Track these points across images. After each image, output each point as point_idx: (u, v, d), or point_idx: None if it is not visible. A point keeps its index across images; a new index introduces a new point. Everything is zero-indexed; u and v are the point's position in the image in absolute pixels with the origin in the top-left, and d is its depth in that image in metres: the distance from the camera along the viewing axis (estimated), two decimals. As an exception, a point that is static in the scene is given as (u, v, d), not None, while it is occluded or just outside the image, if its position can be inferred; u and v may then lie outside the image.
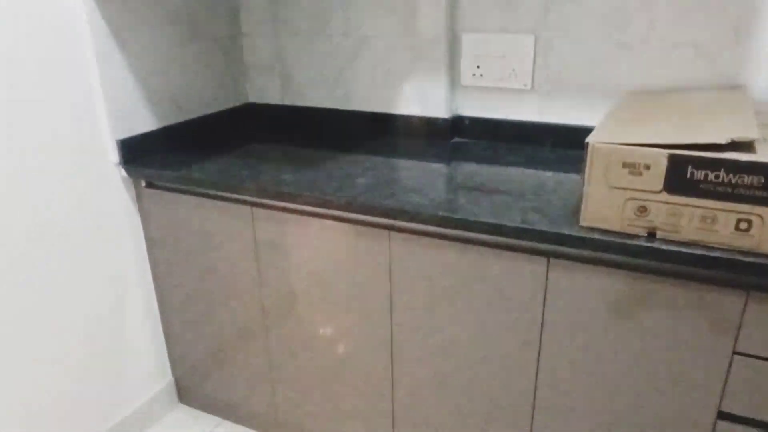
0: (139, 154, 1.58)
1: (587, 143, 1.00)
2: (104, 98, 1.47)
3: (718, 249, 0.98)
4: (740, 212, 0.93)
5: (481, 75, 1.63)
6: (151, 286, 1.71)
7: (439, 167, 1.47)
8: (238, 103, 1.94)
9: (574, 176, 1.38)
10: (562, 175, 1.38)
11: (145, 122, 1.59)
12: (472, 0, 1.58)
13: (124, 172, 1.55)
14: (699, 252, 0.98)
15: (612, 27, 1.46)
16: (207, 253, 1.56)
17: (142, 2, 1.52)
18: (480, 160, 1.52)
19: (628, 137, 0.98)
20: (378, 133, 1.79)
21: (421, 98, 1.70)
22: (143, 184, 1.59)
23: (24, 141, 1.32)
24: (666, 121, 1.11)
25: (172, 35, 1.63)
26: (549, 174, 1.39)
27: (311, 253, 1.40)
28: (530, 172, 1.42)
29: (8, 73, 1.27)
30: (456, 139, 1.71)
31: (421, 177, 1.39)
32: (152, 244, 1.66)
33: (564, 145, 1.59)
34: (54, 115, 1.38)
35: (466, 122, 1.70)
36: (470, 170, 1.44)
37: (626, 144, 0.96)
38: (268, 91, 1.96)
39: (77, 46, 1.40)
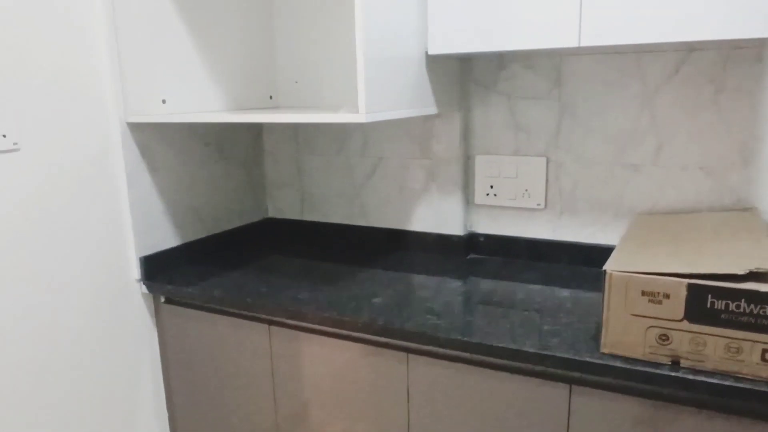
0: (161, 269, 1.60)
1: (605, 271, 1.00)
2: (131, 217, 1.51)
3: (746, 379, 0.94)
4: (765, 342, 0.91)
5: (495, 195, 1.66)
6: (164, 402, 1.67)
7: (455, 285, 1.47)
8: (258, 218, 1.99)
9: (590, 294, 1.36)
10: (578, 293, 1.37)
11: (167, 238, 1.62)
12: (485, 125, 1.65)
13: (144, 288, 1.56)
14: (727, 383, 0.95)
15: (621, 149, 1.51)
16: (223, 368, 1.54)
17: (173, 128, 1.60)
18: (496, 276, 1.52)
19: (645, 265, 0.99)
20: (394, 248, 1.81)
21: (437, 215, 1.73)
22: (162, 299, 1.59)
23: (51, 257, 1.35)
24: (682, 246, 1.11)
25: (200, 156, 1.70)
26: (565, 293, 1.38)
27: (328, 371, 1.37)
28: (547, 290, 1.41)
29: (43, 192, 1.32)
30: (471, 256, 1.72)
31: (438, 296, 1.39)
32: (168, 358, 1.64)
33: (578, 262, 1.59)
34: (82, 232, 1.41)
35: (481, 239, 1.71)
36: (487, 288, 1.43)
37: (644, 273, 0.96)
38: (287, 207, 2.00)
39: (108, 167, 1.46)
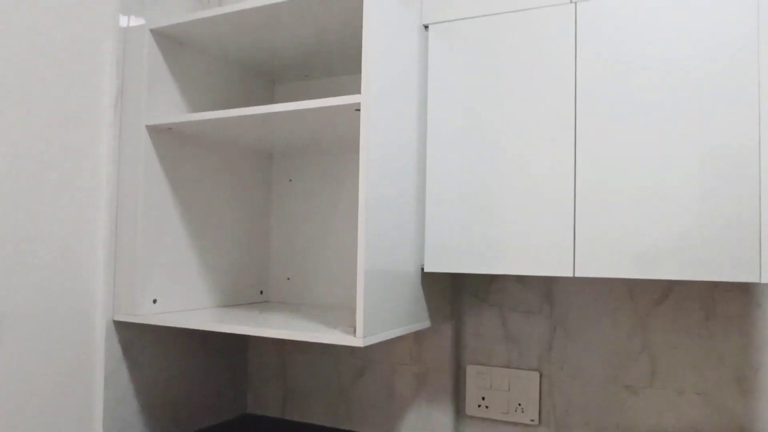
0: (125, 481, 1.44)
1: None
2: (103, 420, 1.40)
3: None
4: None
5: (487, 407, 1.58)
6: None
7: None
8: (236, 414, 1.86)
9: None
10: None
11: (138, 443, 1.49)
12: (477, 335, 1.62)
13: (104, 505, 1.40)
14: None
15: (615, 369, 1.47)
16: None
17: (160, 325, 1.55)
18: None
19: None
20: (380, 459, 1.68)
21: (426, 424, 1.63)
22: None
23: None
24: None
25: (183, 348, 1.63)
26: None
27: None
28: None
29: (14, 392, 1.22)
30: (462, 473, 1.59)
31: None
32: None
33: (578, 488, 1.47)
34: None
35: (473, 455, 1.60)
36: None
37: None
38: (268, 403, 1.89)
39: (87, 365, 1.38)
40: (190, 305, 1.57)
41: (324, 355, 1.80)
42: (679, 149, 1.16)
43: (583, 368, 1.50)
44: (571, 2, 1.26)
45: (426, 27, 1.41)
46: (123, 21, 1.45)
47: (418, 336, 1.66)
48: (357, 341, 1.12)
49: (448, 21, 1.38)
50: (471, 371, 1.62)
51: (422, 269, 1.39)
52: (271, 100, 1.86)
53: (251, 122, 1.36)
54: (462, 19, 1.36)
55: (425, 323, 1.42)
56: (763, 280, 1.09)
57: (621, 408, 1.46)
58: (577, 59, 1.25)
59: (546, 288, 1.55)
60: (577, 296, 1.52)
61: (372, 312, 1.16)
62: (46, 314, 1.30)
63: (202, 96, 1.59)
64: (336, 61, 1.63)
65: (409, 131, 1.33)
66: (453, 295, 1.62)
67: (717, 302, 1.39)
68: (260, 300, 1.82)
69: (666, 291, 1.43)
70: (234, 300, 1.72)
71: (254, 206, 1.80)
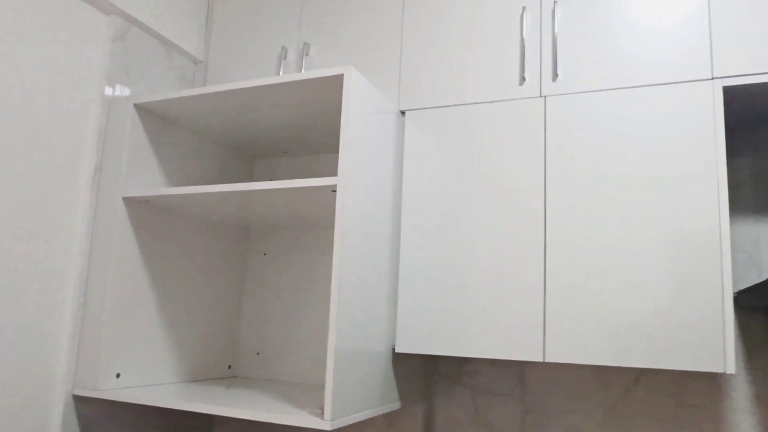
0: None
1: None
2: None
3: None
4: None
5: (458, 494, 1.53)
6: None
7: None
8: (196, 498, 1.76)
9: None
10: None
11: None
12: (448, 418, 1.58)
13: None
14: None
15: (587, 458, 1.44)
16: None
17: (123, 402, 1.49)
18: None
19: None
20: None
21: None
22: None
23: None
24: None
25: (144, 425, 1.56)
26: None
27: None
28: None
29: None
30: None
31: None
32: None
33: None
34: None
35: None
36: None
37: None
38: (231, 486, 1.80)
39: (41, 450, 1.31)
40: (156, 380, 1.52)
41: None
42: (645, 237, 1.19)
43: (554, 455, 1.47)
44: (541, 96, 1.33)
45: (403, 113, 1.46)
46: (108, 91, 1.48)
47: (389, 417, 1.62)
48: (324, 424, 1.09)
49: (424, 108, 1.43)
50: (440, 456, 1.57)
51: (393, 350, 1.37)
52: (250, 176, 1.88)
53: (229, 198, 1.37)
54: (437, 107, 1.42)
55: (395, 405, 1.39)
56: (728, 371, 1.10)
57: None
58: (546, 149, 1.30)
59: (519, 371, 1.54)
60: (549, 383, 1.50)
61: (341, 393, 1.14)
62: (4, 385, 1.25)
63: (182, 170, 1.60)
64: (315, 141, 1.66)
65: (384, 213, 1.35)
66: (424, 376, 1.59)
67: (687, 391, 1.39)
68: (228, 375, 1.77)
69: (636, 377, 1.43)
70: (201, 374, 1.67)
71: (227, 279, 1.78)
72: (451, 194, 1.37)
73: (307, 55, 1.60)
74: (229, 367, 1.78)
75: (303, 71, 1.59)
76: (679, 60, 1.23)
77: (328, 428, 1.09)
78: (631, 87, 1.25)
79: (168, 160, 1.56)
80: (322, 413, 1.13)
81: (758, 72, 1.17)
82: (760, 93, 1.22)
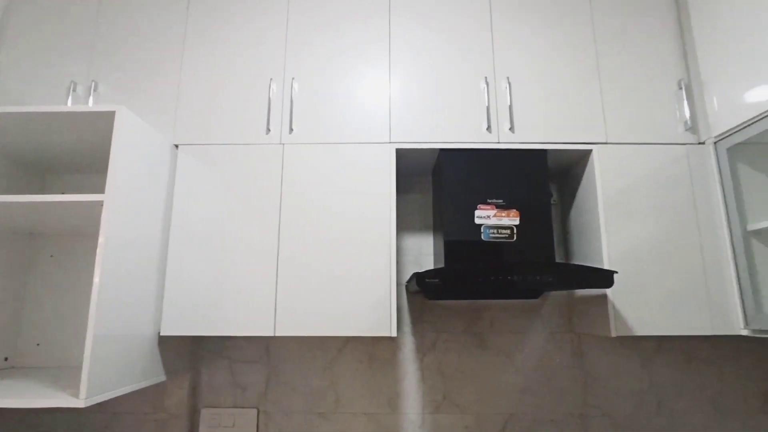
0: None
1: None
2: None
3: None
4: None
5: (215, 443, 1.50)
6: None
7: None
8: (-36, 483, 1.44)
9: None
10: None
11: None
12: (211, 383, 1.55)
13: None
14: None
15: (313, 402, 1.53)
16: None
17: None
18: None
19: None
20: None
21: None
22: None
23: None
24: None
25: None
26: None
27: None
28: None
29: None
30: (189, 504, 1.45)
31: None
32: None
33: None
34: None
35: (200, 486, 1.48)
36: None
37: None
38: (5, 466, 1.51)
39: None
40: None
41: (69, 412, 1.53)
42: (346, 247, 1.32)
43: (290, 404, 1.53)
44: (281, 143, 1.39)
45: (176, 146, 1.41)
46: None
47: (160, 387, 1.52)
48: (79, 402, 1.00)
49: (194, 144, 1.40)
50: (205, 414, 1.53)
51: (159, 333, 1.31)
52: (41, 190, 1.63)
53: (9, 208, 1.18)
54: (205, 144, 1.40)
55: (161, 377, 1.32)
56: (392, 334, 1.27)
57: (316, 430, 1.52)
58: (282, 183, 1.37)
59: (265, 343, 1.57)
60: (287, 350, 1.57)
61: (99, 373, 1.05)
62: None
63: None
64: (100, 162, 1.51)
65: (153, 224, 1.29)
66: (193, 351, 1.54)
67: (377, 349, 1.57)
68: (5, 366, 1.49)
69: (345, 342, 1.57)
70: (-27, 368, 1.38)
71: (10, 280, 1.50)
72: (214, 212, 1.36)
73: (95, 91, 1.45)
74: (6, 359, 1.50)
75: (90, 104, 1.44)
76: (372, 128, 1.40)
77: (83, 405, 1.00)
78: (341, 143, 1.39)
79: (-60, 170, 1.27)
80: (79, 393, 1.03)
81: (417, 141, 1.39)
82: (417, 155, 1.45)
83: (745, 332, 1.27)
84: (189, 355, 1.52)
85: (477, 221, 1.33)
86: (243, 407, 1.54)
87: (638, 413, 1.51)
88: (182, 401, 1.51)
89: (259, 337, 1.57)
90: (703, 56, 1.40)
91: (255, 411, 1.53)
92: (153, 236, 1.28)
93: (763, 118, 1.22)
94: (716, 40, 1.36)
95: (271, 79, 1.43)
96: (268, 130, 1.40)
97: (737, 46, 1.29)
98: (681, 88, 1.42)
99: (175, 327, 1.30)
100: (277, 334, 1.27)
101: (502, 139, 1.39)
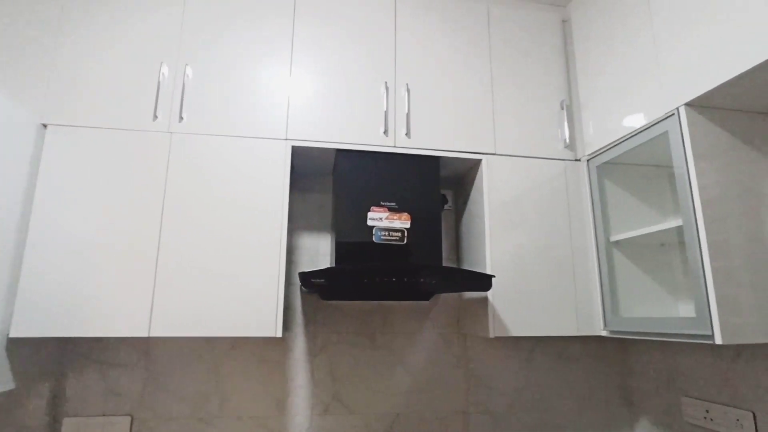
0: None
1: None
2: None
3: None
4: None
5: (79, 455, 1.36)
6: None
7: None
8: None
9: None
10: None
11: None
12: (78, 390, 1.40)
13: None
14: None
15: (194, 407, 1.44)
16: None
17: None
18: None
19: None
20: None
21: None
22: None
23: None
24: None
25: None
26: None
27: None
28: None
29: None
30: None
31: None
32: None
33: None
34: None
35: (57, 504, 1.33)
36: None
37: None
38: None
39: None
40: None
41: None
42: (235, 243, 1.26)
43: (169, 409, 1.43)
44: (168, 132, 1.30)
45: (45, 126, 1.26)
46: None
47: (11, 398, 1.34)
48: None
49: (66, 125, 1.27)
50: (67, 424, 1.38)
51: (8, 335, 1.16)
52: None
53: None
54: (79, 126, 1.27)
55: (8, 385, 1.17)
56: (278, 335, 1.23)
57: (196, 437, 1.43)
58: (168, 173, 1.28)
59: (144, 345, 1.46)
60: (170, 352, 1.47)
61: None
62: None
63: None
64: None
65: (4, 213, 1.14)
66: (57, 355, 1.38)
67: (266, 350, 1.52)
68: None
69: (233, 343, 1.50)
70: None
71: None
72: (85, 201, 1.23)
73: (-55, 55, 1.25)
74: None
75: (-63, 70, 1.24)
76: (268, 123, 1.36)
77: None
78: (235, 136, 1.33)
79: None
80: None
81: (314, 140, 1.37)
82: (317, 154, 1.43)
83: (604, 333, 1.40)
84: (51, 360, 1.37)
85: (369, 223, 1.34)
86: (115, 415, 1.41)
87: (515, 409, 1.61)
88: (39, 411, 1.35)
89: (137, 339, 1.46)
90: (582, 80, 1.53)
91: (128, 419, 1.41)
92: (5, 226, 1.13)
93: (624, 140, 1.36)
94: (592, 68, 1.49)
95: (161, 62, 1.33)
96: (156, 116, 1.30)
97: (609, 75, 1.42)
98: (563, 109, 1.54)
99: (28, 328, 1.15)
100: (152, 335, 1.18)
101: (398, 143, 1.41)
